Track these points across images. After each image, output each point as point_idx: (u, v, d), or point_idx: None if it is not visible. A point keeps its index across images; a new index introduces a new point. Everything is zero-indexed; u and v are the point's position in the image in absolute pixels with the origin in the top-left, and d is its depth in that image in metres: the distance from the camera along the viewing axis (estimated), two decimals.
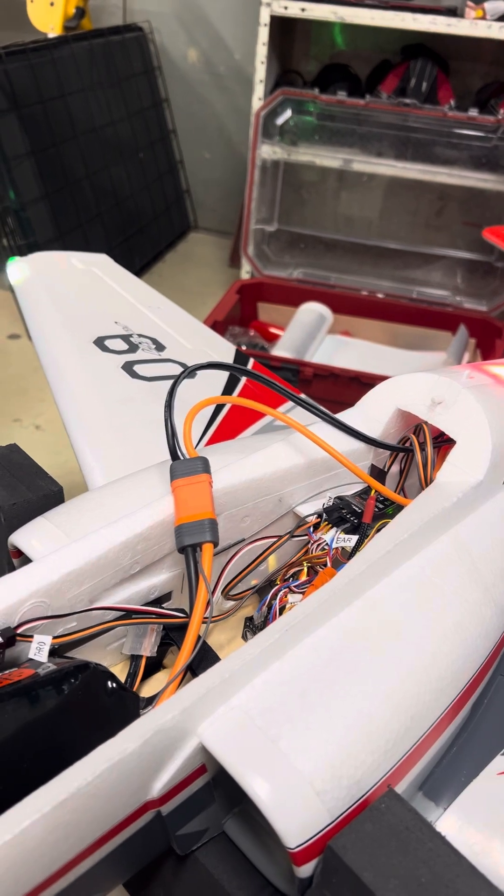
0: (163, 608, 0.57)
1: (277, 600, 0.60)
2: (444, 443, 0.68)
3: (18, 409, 2.00)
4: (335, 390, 1.93)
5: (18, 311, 1.17)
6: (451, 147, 2.21)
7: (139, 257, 2.80)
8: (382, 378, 0.71)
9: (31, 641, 0.49)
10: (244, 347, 2.15)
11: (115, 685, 0.48)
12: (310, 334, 2.21)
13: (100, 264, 1.26)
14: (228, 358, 1.12)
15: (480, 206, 2.40)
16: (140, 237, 2.80)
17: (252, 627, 0.62)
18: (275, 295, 2.38)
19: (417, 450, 0.66)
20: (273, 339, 2.27)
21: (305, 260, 2.54)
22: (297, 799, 0.42)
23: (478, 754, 0.56)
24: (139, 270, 2.78)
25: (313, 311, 2.27)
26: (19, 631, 0.49)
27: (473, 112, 2.14)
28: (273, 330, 2.33)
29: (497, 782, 0.54)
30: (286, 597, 0.60)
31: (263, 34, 2.15)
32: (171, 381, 0.62)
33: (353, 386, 1.91)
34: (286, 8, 2.10)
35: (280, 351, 2.10)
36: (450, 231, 2.47)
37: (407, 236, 2.50)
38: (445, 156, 2.22)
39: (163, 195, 2.97)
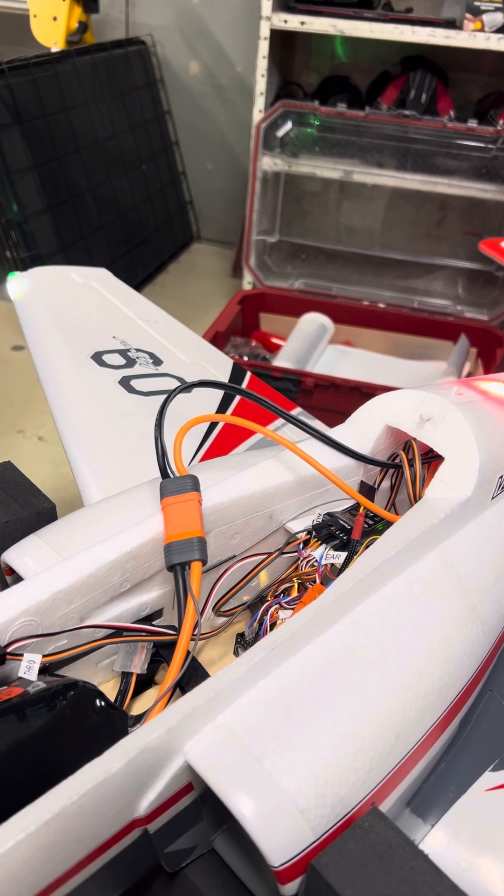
0: (153, 625, 0.58)
1: (268, 616, 0.61)
2: (433, 459, 0.69)
3: (21, 420, 2.01)
4: (336, 400, 1.94)
5: None
6: (451, 158, 2.22)
7: (142, 268, 2.81)
8: (383, 388, 0.71)
9: (21, 660, 0.49)
10: (245, 358, 2.16)
11: (103, 703, 0.48)
12: (311, 344, 2.21)
13: (99, 279, 1.27)
14: (226, 371, 1.13)
15: (481, 215, 2.41)
16: (143, 248, 2.81)
17: (243, 643, 0.63)
18: (276, 305, 2.39)
19: (406, 466, 0.67)
20: (275, 349, 2.28)
21: (307, 270, 2.55)
22: (282, 817, 0.42)
23: (466, 771, 0.56)
24: (142, 282, 2.80)
25: (315, 321, 2.28)
26: (9, 649, 0.50)
27: (473, 123, 2.15)
28: (275, 340, 2.34)
29: (485, 798, 0.54)
30: (277, 613, 0.61)
31: (264, 47, 2.17)
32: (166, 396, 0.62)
33: (354, 396, 1.92)
34: (286, 21, 2.11)
35: (281, 361, 2.11)
36: (450, 241, 2.48)
37: (408, 246, 2.51)
38: (445, 166, 2.24)
39: (165, 206, 2.99)
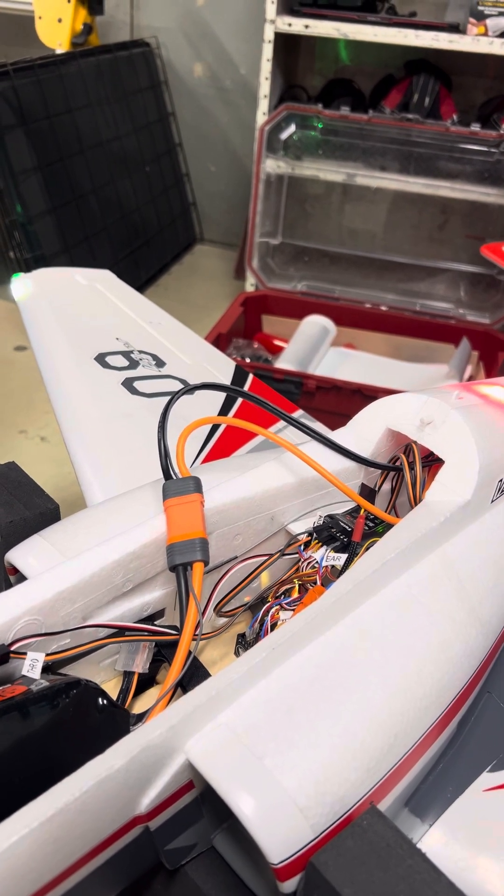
0: (155, 625, 0.59)
1: (269, 617, 0.61)
2: (433, 462, 0.69)
3: (24, 421, 2.02)
4: (338, 403, 1.94)
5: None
6: (453, 161, 2.22)
7: (145, 270, 2.82)
8: (385, 391, 0.72)
9: (24, 658, 0.50)
10: (248, 360, 2.17)
11: (105, 702, 0.49)
12: (313, 347, 2.22)
13: (102, 280, 1.27)
14: (228, 373, 1.13)
15: (483, 219, 2.41)
16: (146, 250, 2.82)
17: (244, 644, 0.63)
18: (279, 307, 2.40)
19: (406, 469, 0.67)
20: (277, 351, 2.28)
21: (309, 273, 2.56)
22: (281, 815, 0.43)
23: (464, 771, 0.56)
24: (145, 283, 2.81)
25: (317, 323, 2.29)
26: (13, 648, 0.50)
27: (476, 127, 2.16)
28: (277, 342, 2.34)
29: (482, 799, 0.55)
30: (277, 614, 0.61)
31: (268, 50, 2.18)
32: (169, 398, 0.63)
33: (355, 398, 1.92)
34: (290, 25, 2.12)
35: (284, 363, 2.11)
36: (453, 244, 2.49)
37: (410, 249, 2.51)
38: (448, 170, 2.24)
39: (168, 208, 2.99)
